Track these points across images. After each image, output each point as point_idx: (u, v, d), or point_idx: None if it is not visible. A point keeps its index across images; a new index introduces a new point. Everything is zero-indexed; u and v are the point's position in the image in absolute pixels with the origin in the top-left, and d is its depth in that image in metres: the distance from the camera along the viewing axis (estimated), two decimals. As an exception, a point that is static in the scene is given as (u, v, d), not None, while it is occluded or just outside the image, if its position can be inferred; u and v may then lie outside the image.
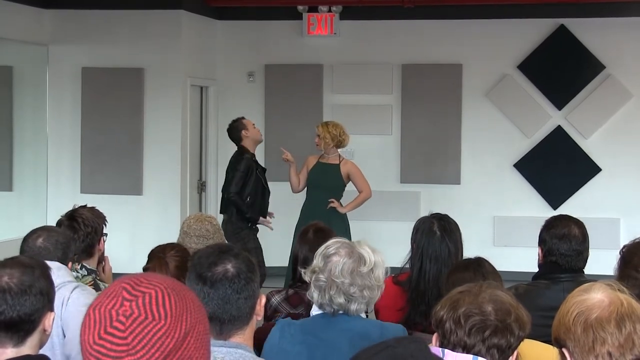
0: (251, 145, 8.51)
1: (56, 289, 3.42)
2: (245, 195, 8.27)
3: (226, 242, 4.63)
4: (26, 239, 3.82)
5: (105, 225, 4.71)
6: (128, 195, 10.56)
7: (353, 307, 3.27)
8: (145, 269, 3.99)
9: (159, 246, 4.19)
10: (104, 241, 4.69)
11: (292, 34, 11.47)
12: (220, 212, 8.57)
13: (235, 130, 8.55)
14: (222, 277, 2.65)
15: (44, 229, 3.90)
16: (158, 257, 4.02)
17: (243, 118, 8.67)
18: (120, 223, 9.33)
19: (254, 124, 8.63)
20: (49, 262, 3.52)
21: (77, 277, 4.27)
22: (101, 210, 4.79)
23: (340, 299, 3.25)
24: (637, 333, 2.29)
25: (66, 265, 3.80)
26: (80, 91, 10.71)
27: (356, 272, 3.25)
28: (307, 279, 3.33)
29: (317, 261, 3.32)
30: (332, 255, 3.29)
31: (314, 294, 3.29)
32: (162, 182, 10.55)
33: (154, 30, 10.54)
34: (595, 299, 2.34)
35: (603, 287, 2.38)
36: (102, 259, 4.66)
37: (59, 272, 3.59)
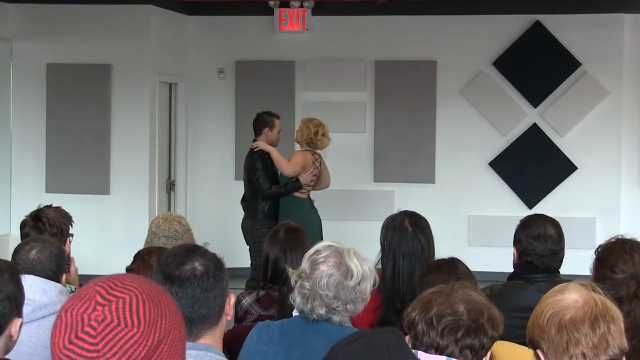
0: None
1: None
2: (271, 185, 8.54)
3: (195, 242, 4.61)
4: (18, 251, 3.74)
5: (72, 225, 4.69)
6: (95, 194, 10.51)
7: (335, 318, 3.26)
8: (128, 269, 3.97)
9: (146, 248, 4.17)
10: (70, 242, 4.66)
11: (264, 30, 11.46)
12: (245, 215, 8.73)
13: (260, 121, 8.75)
14: (191, 275, 2.66)
15: (38, 240, 3.83)
16: (142, 259, 3.99)
17: (278, 117, 8.75)
18: (87, 223, 9.28)
19: (280, 130, 8.71)
20: (48, 283, 3.52)
21: (71, 292, 4.24)
22: (67, 210, 4.76)
23: (322, 311, 3.24)
24: (611, 333, 2.31)
25: (60, 277, 3.75)
26: (45, 88, 10.65)
27: (342, 285, 3.23)
28: (292, 281, 3.33)
29: (305, 265, 3.29)
30: (320, 263, 3.26)
31: (296, 298, 3.28)
32: (130, 181, 10.50)
33: (122, 25, 10.49)
34: (569, 299, 2.36)
35: (577, 288, 2.40)
36: (68, 260, 4.63)
37: (60, 296, 3.55)
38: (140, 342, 1.61)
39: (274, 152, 8.52)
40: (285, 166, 8.48)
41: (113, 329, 1.60)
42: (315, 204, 8.86)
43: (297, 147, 9.03)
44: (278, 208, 8.62)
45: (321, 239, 7.50)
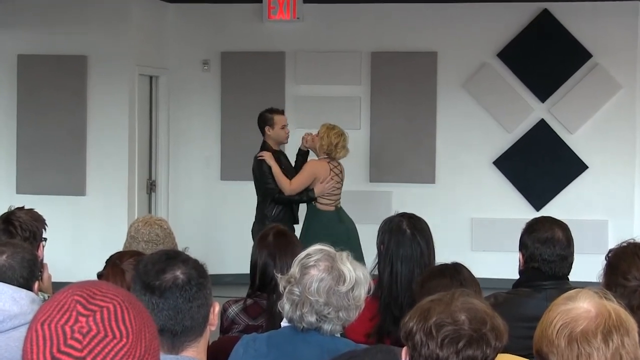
0: (273, 144, 8.70)
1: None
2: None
3: (177, 247, 4.61)
4: None
5: (45, 229, 4.69)
6: (70, 195, 10.50)
7: (326, 327, 3.27)
8: (99, 275, 3.98)
9: (117, 252, 4.17)
10: (43, 247, 4.66)
11: (252, 19, 11.45)
12: (255, 219, 8.77)
13: (261, 121, 8.77)
14: (172, 285, 2.66)
15: (8, 245, 3.80)
16: (114, 264, 4.00)
17: (278, 112, 8.76)
18: (61, 227, 9.27)
19: (285, 126, 8.70)
20: (20, 291, 3.51)
21: (44, 301, 4.23)
22: (40, 213, 4.76)
23: (312, 318, 3.25)
24: (625, 347, 2.31)
25: (32, 285, 3.74)
26: (15, 81, 10.63)
27: (333, 291, 3.24)
28: (281, 287, 3.34)
29: (294, 270, 3.31)
30: (310, 267, 3.28)
31: (285, 305, 3.30)
32: (107, 182, 10.49)
33: (99, 14, 10.48)
34: (581, 309, 2.36)
35: (590, 295, 2.40)
36: (40, 266, 4.62)
37: (32, 305, 3.54)
38: (129, 353, 1.62)
39: (275, 168, 8.54)
40: (285, 184, 8.51)
41: (100, 340, 1.60)
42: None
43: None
44: (292, 213, 8.67)
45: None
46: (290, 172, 8.65)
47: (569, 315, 2.35)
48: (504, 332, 2.46)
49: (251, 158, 8.71)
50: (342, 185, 8.76)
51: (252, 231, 8.68)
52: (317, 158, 8.68)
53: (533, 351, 2.46)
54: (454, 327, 2.40)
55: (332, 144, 8.57)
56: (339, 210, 8.73)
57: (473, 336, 2.40)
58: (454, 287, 3.28)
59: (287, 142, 8.83)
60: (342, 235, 8.53)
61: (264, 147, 8.69)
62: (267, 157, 8.54)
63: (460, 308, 2.43)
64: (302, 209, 8.81)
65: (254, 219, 8.73)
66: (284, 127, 8.69)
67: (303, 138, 8.82)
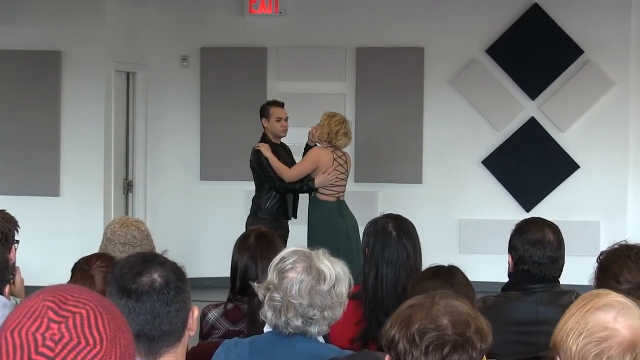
0: (271, 136, 8.82)
1: None
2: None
3: (155, 250, 4.60)
4: None
5: (17, 231, 4.67)
6: (43, 196, 10.46)
7: (313, 329, 3.28)
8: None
9: (84, 257, 4.14)
10: (16, 249, 4.64)
11: (232, 13, 11.44)
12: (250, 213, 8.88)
13: (260, 113, 8.92)
14: (149, 288, 2.65)
15: None
16: (82, 269, 3.96)
17: (276, 105, 8.90)
18: (34, 228, 9.22)
19: (281, 118, 8.80)
20: None
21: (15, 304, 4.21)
22: (12, 214, 4.74)
23: (298, 322, 3.25)
24: None
25: (3, 289, 3.72)
26: (-14, 77, 10.60)
27: (315, 291, 3.25)
28: (260, 296, 3.33)
29: (271, 276, 3.31)
30: (287, 270, 3.28)
31: (267, 313, 3.30)
32: (82, 182, 10.45)
33: (73, 7, 10.44)
34: (616, 332, 2.35)
35: (630, 314, 2.39)
36: (12, 269, 4.60)
37: (4, 310, 3.53)
38: None
39: (272, 158, 8.58)
40: (284, 171, 8.60)
41: (73, 348, 1.59)
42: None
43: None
44: (285, 206, 8.75)
45: (349, 253, 7.55)
46: (290, 165, 8.70)
47: (601, 334, 2.35)
48: (488, 332, 2.45)
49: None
50: (347, 176, 8.81)
51: (246, 224, 8.73)
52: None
53: (550, 345, 2.45)
54: (438, 333, 2.39)
55: (332, 132, 8.61)
56: (341, 203, 8.79)
57: (458, 340, 2.40)
58: (446, 289, 3.29)
59: (284, 135, 8.89)
60: (342, 231, 8.57)
61: (263, 139, 8.79)
62: (264, 148, 8.59)
63: (443, 312, 2.43)
64: (300, 205, 8.86)
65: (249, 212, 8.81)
66: (279, 119, 8.76)
67: (309, 132, 8.86)
